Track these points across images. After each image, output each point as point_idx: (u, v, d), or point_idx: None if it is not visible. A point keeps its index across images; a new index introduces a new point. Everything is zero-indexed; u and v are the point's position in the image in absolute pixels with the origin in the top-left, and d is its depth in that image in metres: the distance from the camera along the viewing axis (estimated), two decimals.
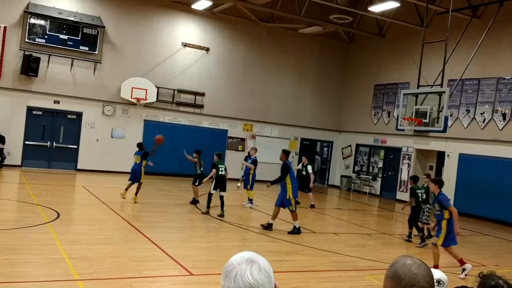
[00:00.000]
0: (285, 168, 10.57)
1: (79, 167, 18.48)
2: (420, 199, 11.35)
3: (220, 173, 11.88)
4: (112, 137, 19.05)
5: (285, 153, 11.03)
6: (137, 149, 13.57)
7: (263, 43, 21.81)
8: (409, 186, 12.12)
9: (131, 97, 18.76)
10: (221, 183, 11.85)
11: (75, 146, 18.55)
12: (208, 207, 11.92)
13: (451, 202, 17.68)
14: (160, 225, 10.33)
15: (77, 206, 12.46)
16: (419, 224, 11.37)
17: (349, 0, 19.39)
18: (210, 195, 11.92)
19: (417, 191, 11.39)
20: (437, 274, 2.56)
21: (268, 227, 10.65)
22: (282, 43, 22.18)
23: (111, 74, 18.81)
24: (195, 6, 19.33)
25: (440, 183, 9.31)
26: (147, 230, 9.27)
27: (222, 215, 11.66)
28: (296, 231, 10.60)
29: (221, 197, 11.86)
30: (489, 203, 16.10)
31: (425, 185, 11.53)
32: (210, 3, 18.81)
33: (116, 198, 12.85)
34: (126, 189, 12.73)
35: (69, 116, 18.53)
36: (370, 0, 19.29)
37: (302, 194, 15.14)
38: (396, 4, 17.22)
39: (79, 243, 8.03)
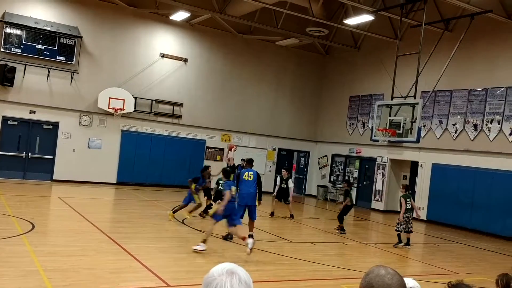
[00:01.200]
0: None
1: (55, 177, 18.25)
2: (406, 207, 11.95)
3: (220, 187, 12.05)
4: (89, 148, 18.89)
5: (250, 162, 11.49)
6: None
7: (241, 55, 22.00)
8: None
9: (109, 107, 18.67)
10: (220, 197, 11.82)
11: (51, 157, 18.33)
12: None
13: (425, 211, 18.18)
14: (137, 235, 10.29)
15: (53, 217, 12.32)
16: (405, 233, 11.91)
17: (325, 13, 19.76)
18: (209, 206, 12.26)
19: (407, 199, 12.01)
20: (410, 283, 2.68)
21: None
22: (259, 55, 22.41)
23: (88, 84, 18.70)
24: (173, 17, 19.43)
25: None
26: (124, 241, 9.23)
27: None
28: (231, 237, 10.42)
29: None
30: (462, 212, 16.50)
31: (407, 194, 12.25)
32: (188, 15, 18.93)
33: (92, 209, 12.76)
34: (190, 212, 12.65)
35: (45, 126, 18.33)
36: (345, 13, 19.70)
37: (281, 204, 15.31)
38: (371, 18, 17.64)
39: (54, 255, 7.96)
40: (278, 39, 21.70)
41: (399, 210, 14.20)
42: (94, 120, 18.97)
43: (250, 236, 9.68)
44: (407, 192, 12.27)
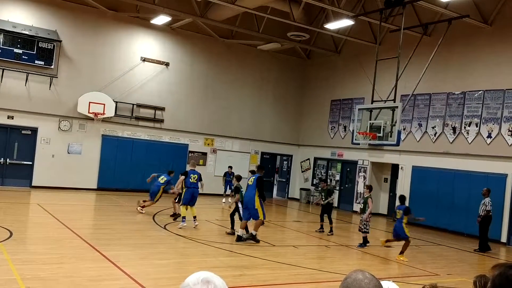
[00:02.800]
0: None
1: (34, 184, 17.97)
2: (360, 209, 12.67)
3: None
4: (68, 153, 18.65)
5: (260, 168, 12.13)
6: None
7: (223, 59, 22.00)
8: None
9: (88, 112, 18.48)
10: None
11: (30, 163, 18.04)
12: (232, 228, 12.15)
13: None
14: (118, 242, 10.18)
15: (31, 224, 12.11)
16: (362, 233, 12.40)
17: (306, 18, 19.90)
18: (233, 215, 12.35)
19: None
20: (391, 286, 2.70)
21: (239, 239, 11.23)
22: (242, 59, 22.44)
23: (68, 88, 18.49)
24: (154, 21, 19.34)
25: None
26: (104, 248, 9.13)
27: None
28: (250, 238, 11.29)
29: (231, 216, 12.44)
30: (442, 214, 16.73)
31: (365, 196, 12.69)
32: (169, 19, 18.86)
33: (72, 216, 12.59)
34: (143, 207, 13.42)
35: (23, 132, 18.04)
36: (326, 18, 19.86)
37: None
38: (351, 22, 17.82)
39: (33, 263, 7.83)
40: (260, 43, 21.77)
41: (380, 212, 14.44)
42: (74, 125, 18.74)
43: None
44: (370, 193, 12.57)
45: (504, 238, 14.96)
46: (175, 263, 8.84)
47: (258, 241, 11.27)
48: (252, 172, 12.87)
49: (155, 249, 9.76)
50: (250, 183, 11.56)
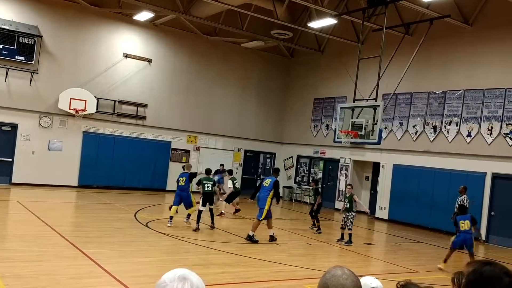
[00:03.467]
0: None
1: (13, 181, 17.69)
2: (344, 208, 12.83)
3: (206, 189, 12.40)
4: (49, 150, 18.40)
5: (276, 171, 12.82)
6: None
7: (207, 56, 21.92)
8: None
9: (69, 108, 18.26)
10: (208, 198, 12.47)
11: (10, 159, 17.76)
12: (198, 223, 12.21)
13: (386, 211, 18.63)
14: (99, 240, 10.09)
15: (11, 222, 11.94)
16: (348, 231, 12.50)
17: (290, 16, 19.95)
18: (200, 211, 12.29)
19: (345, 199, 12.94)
20: (374, 282, 2.74)
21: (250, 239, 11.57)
22: (225, 56, 22.40)
23: (49, 84, 18.23)
24: (137, 17, 19.18)
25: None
26: (84, 246, 9.05)
27: (213, 227, 12.66)
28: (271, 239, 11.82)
29: (210, 210, 12.69)
30: (422, 211, 16.96)
31: (347, 195, 12.90)
32: (152, 15, 18.73)
33: (52, 213, 12.44)
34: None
35: (3, 128, 17.74)
36: (309, 17, 19.93)
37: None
38: (334, 21, 17.92)
39: (12, 260, 7.72)
40: (244, 41, 21.75)
41: (361, 210, 14.60)
42: (54, 122, 18.50)
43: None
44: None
45: (483, 236, 15.23)
46: (156, 261, 8.80)
47: (256, 242, 11.44)
48: (275, 171, 13.17)
49: (136, 247, 9.70)
50: (266, 184, 11.95)
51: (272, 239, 11.75)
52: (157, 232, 11.48)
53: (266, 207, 11.64)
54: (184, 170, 13.37)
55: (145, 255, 9.09)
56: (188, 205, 12.84)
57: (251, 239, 11.49)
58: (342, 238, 12.67)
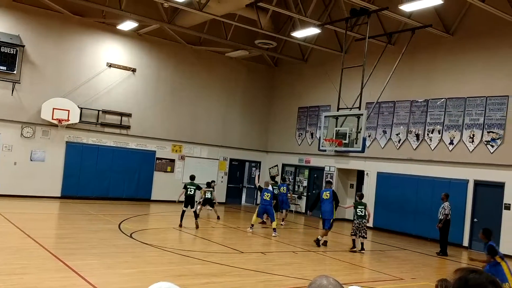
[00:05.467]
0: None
1: None
2: (357, 215, 13.17)
3: (189, 192, 14.27)
4: (31, 160, 18.16)
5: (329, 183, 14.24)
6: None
7: (191, 65, 21.92)
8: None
9: (52, 118, 18.06)
10: (190, 201, 14.36)
11: None
12: (181, 221, 14.21)
13: (371, 218, 18.75)
14: (82, 251, 9.96)
15: None
16: (362, 239, 13.09)
17: (273, 26, 20.09)
18: (183, 211, 14.26)
19: (359, 206, 13.29)
20: None
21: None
22: (210, 66, 22.42)
23: (31, 94, 18.04)
24: (120, 26, 19.11)
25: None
26: (68, 258, 8.92)
27: (197, 226, 14.13)
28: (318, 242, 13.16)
29: (194, 212, 14.48)
30: (406, 219, 17.10)
31: (360, 202, 13.50)
32: (136, 24, 18.69)
33: (35, 225, 12.24)
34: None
35: None
36: (293, 26, 20.09)
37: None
38: (317, 31, 18.09)
39: None
40: (228, 50, 21.82)
41: (346, 218, 14.75)
42: (37, 132, 18.28)
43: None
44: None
45: (466, 242, 15.41)
46: (141, 272, 8.71)
47: (319, 245, 13.02)
48: (328, 183, 14.40)
49: (120, 258, 9.60)
50: (326, 197, 13.18)
51: (325, 244, 13.21)
52: (142, 242, 11.37)
53: (334, 216, 13.20)
54: (266, 186, 14.90)
55: (129, 267, 8.99)
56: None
57: (318, 242, 12.99)
58: (354, 246, 12.99)
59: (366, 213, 13.06)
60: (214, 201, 16.84)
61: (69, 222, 14.40)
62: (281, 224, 16.74)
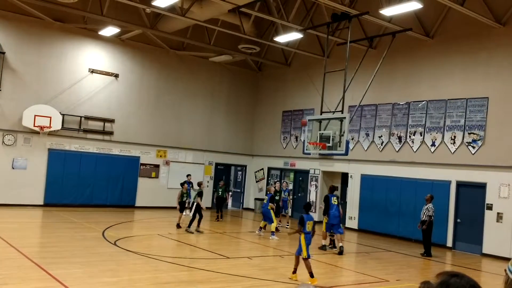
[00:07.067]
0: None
1: None
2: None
3: (183, 199, 15.72)
4: (13, 168, 17.92)
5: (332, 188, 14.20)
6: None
7: (175, 70, 21.88)
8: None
9: (34, 125, 17.86)
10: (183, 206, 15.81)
11: None
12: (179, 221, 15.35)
13: (356, 221, 18.84)
14: (65, 260, 9.84)
15: None
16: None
17: (256, 31, 20.17)
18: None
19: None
20: None
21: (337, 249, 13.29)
22: (193, 71, 22.40)
23: (12, 101, 17.82)
24: (102, 32, 19.00)
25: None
26: (51, 267, 8.82)
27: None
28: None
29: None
30: (390, 220, 17.26)
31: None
32: (118, 30, 18.60)
33: (17, 234, 12.07)
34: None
35: None
36: (275, 31, 20.18)
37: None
38: (300, 35, 18.20)
39: None
40: (212, 55, 21.82)
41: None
42: (18, 139, 18.06)
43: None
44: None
45: (449, 243, 15.60)
46: (126, 281, 8.65)
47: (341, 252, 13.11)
48: (332, 189, 14.21)
49: (104, 267, 9.51)
50: (335, 202, 13.46)
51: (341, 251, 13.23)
52: (126, 250, 11.29)
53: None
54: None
55: (114, 275, 8.92)
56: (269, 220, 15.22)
57: (341, 249, 13.06)
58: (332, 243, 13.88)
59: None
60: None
61: (52, 230, 14.23)
62: (286, 227, 17.94)
